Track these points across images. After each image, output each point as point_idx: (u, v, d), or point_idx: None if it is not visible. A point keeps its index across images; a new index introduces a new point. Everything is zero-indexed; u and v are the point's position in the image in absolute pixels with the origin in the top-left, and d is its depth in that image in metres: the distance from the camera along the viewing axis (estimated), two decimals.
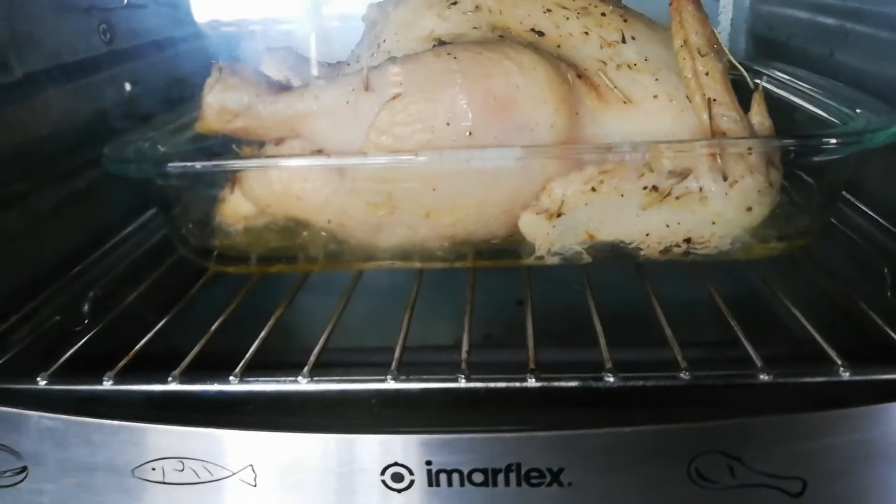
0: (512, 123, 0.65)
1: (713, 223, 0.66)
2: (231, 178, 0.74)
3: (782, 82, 0.83)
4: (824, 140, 0.62)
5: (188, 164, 0.67)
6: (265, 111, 0.69)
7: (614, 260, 0.70)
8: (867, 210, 0.82)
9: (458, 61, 0.65)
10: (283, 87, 0.72)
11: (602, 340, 0.61)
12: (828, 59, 0.94)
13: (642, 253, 0.69)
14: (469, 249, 0.72)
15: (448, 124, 0.64)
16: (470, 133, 0.65)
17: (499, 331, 0.73)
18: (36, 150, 0.78)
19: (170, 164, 0.67)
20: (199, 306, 0.75)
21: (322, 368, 0.61)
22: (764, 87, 0.75)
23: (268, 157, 0.72)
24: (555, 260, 0.70)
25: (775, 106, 0.70)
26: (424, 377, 0.58)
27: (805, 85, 0.78)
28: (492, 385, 0.57)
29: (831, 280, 0.73)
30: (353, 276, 0.76)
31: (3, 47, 0.75)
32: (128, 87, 0.96)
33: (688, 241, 0.68)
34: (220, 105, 0.69)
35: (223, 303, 0.72)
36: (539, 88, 0.65)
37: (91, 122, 0.87)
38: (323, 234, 0.73)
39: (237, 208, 0.75)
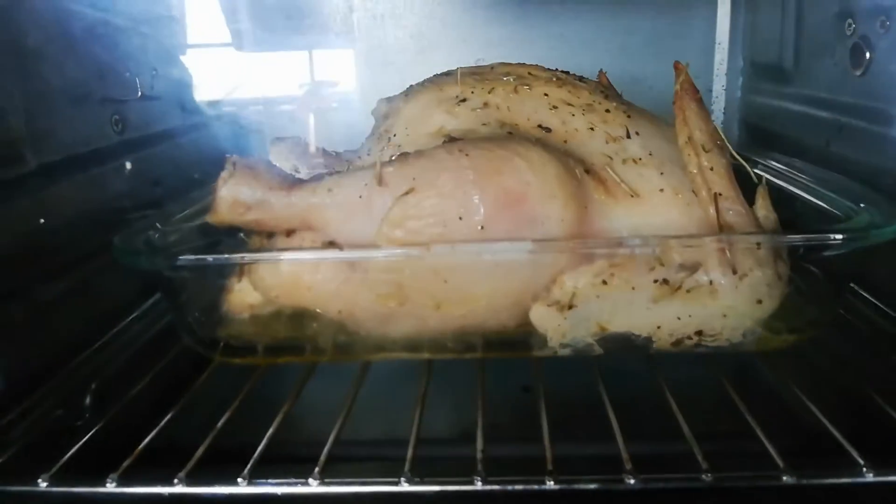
0: (523, 218, 0.66)
1: (724, 316, 0.66)
2: (240, 267, 0.73)
3: (780, 172, 0.85)
4: (830, 236, 0.63)
5: (199, 256, 0.67)
6: (278, 205, 0.70)
7: (626, 352, 0.69)
8: (876, 301, 0.82)
9: (470, 158, 0.66)
10: (296, 181, 0.73)
11: (619, 436, 0.60)
12: (824, 150, 0.96)
13: (654, 345, 0.69)
14: (479, 340, 0.72)
15: (460, 219, 0.65)
16: (482, 227, 0.65)
17: (510, 419, 0.72)
18: (43, 239, 0.78)
19: (181, 258, 0.66)
20: (204, 398, 0.73)
21: (333, 464, 0.59)
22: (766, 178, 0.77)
23: (279, 249, 0.72)
24: (566, 352, 0.69)
25: (776, 196, 0.72)
26: (439, 479, 0.57)
27: (804, 176, 0.80)
28: (509, 488, 0.55)
29: (843, 372, 0.73)
30: (362, 364, 0.75)
31: (19, 141, 0.75)
32: (129, 168, 0.96)
33: (699, 333, 0.68)
34: (233, 198, 0.70)
35: (228, 393, 0.71)
36: (549, 184, 0.66)
37: (99, 210, 0.87)
38: (333, 324, 0.72)
39: (244, 297, 0.75)
